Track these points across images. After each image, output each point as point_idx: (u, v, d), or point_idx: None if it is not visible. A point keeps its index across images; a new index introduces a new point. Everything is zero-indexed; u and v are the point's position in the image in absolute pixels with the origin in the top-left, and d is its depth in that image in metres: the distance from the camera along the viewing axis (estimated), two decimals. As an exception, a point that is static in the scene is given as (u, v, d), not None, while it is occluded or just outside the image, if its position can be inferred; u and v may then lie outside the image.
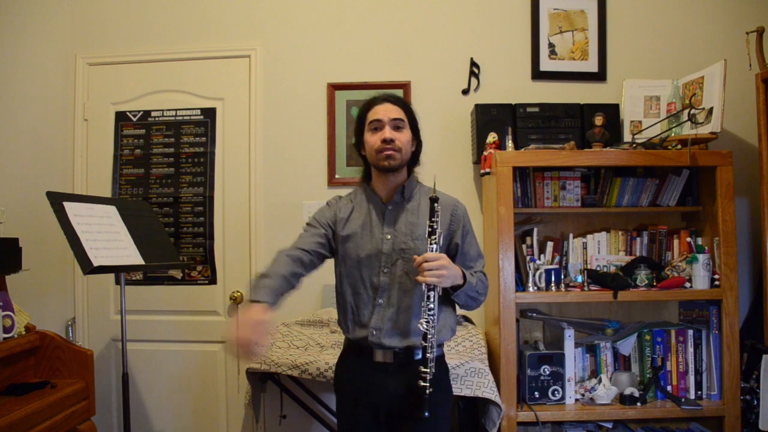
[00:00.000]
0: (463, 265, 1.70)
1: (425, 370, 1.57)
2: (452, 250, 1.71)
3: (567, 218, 2.64)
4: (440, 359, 1.74)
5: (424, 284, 1.55)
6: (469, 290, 1.65)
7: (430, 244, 1.57)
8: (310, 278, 2.68)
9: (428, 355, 1.57)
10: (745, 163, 2.58)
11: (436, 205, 1.58)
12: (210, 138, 2.85)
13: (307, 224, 1.78)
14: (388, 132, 1.65)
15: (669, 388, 2.44)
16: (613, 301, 2.40)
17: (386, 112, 1.68)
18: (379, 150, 1.65)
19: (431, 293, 1.56)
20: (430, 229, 1.58)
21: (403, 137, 1.67)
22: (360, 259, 1.68)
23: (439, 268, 1.53)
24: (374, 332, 1.65)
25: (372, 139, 1.68)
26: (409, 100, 2.62)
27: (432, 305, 1.56)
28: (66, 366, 2.24)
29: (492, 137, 2.48)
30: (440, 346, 1.73)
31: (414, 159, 1.75)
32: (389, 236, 1.67)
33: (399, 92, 2.67)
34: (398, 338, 1.65)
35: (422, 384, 1.56)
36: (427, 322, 1.56)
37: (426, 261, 1.53)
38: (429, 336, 1.56)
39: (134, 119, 2.88)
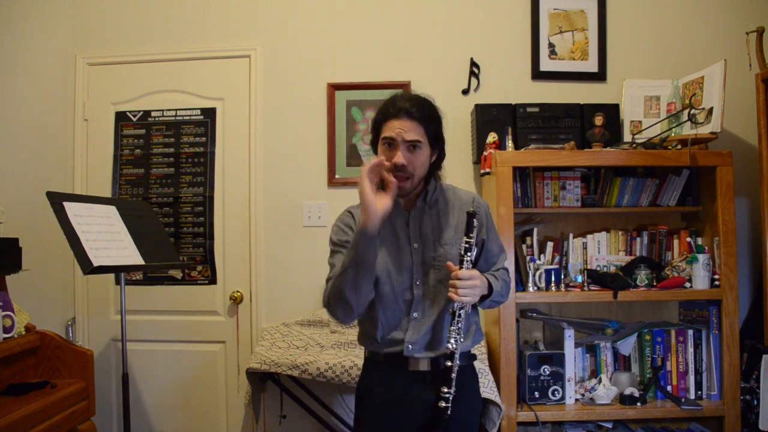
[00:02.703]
0: (486, 261, 1.65)
1: (447, 390, 1.49)
2: (478, 249, 1.62)
3: (567, 218, 2.64)
4: (470, 370, 1.67)
5: (455, 303, 1.48)
6: (494, 296, 1.59)
7: (465, 262, 1.49)
8: (310, 278, 2.71)
9: (452, 375, 1.49)
10: (745, 163, 2.58)
11: (474, 220, 1.50)
12: (210, 138, 2.85)
13: (334, 250, 1.62)
14: (399, 157, 1.49)
15: (669, 388, 2.44)
16: (613, 301, 2.40)
17: (401, 130, 1.50)
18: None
19: (461, 311, 1.49)
20: (466, 245, 1.49)
21: (419, 160, 1.52)
22: (390, 274, 1.57)
23: (473, 288, 1.48)
24: (410, 347, 1.55)
25: (384, 157, 1.54)
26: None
27: (461, 324, 1.49)
28: (66, 366, 2.23)
29: (492, 137, 2.48)
30: (469, 355, 1.65)
31: (433, 168, 1.61)
32: (417, 245, 1.58)
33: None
34: (434, 348, 1.56)
35: (443, 405, 1.49)
36: (455, 341, 1.49)
37: (459, 279, 1.46)
38: (456, 355, 1.49)
39: (134, 119, 2.88)
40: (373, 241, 1.43)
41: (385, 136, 1.53)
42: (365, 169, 1.42)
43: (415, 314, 1.57)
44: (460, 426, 1.59)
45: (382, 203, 1.42)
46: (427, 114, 1.54)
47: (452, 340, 1.49)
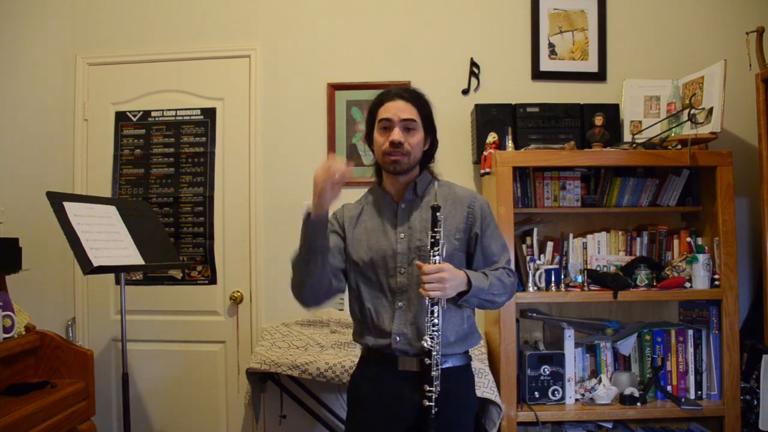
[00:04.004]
0: (485, 259, 1.63)
1: (430, 388, 1.48)
2: (472, 245, 1.64)
3: (567, 218, 2.64)
4: (466, 371, 1.66)
5: (427, 298, 1.48)
6: (480, 294, 1.54)
7: (433, 255, 1.49)
8: (310, 278, 2.70)
9: (433, 372, 1.49)
10: (745, 163, 2.58)
11: (438, 214, 1.49)
12: (210, 138, 2.85)
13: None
14: (396, 134, 1.56)
15: (669, 388, 2.44)
16: (613, 301, 2.40)
17: (397, 110, 1.58)
18: (386, 152, 1.58)
19: (435, 307, 1.48)
20: (432, 240, 1.49)
21: (414, 139, 1.58)
22: (374, 261, 1.59)
23: (440, 281, 1.46)
24: (398, 338, 1.55)
25: (380, 140, 1.60)
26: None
27: (436, 320, 1.48)
28: (66, 366, 2.24)
29: (492, 137, 2.48)
30: (465, 355, 1.65)
31: (428, 157, 1.67)
32: (403, 235, 1.59)
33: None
34: (424, 343, 1.53)
35: (427, 404, 1.48)
36: (432, 338, 1.48)
37: (426, 274, 1.46)
38: (434, 353, 1.49)
39: (134, 119, 2.88)
40: (319, 227, 1.48)
41: (382, 117, 1.60)
42: (328, 166, 1.45)
43: (399, 303, 1.57)
44: (453, 428, 1.58)
45: (334, 194, 1.45)
46: (419, 98, 1.63)
47: (427, 337, 1.49)
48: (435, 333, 1.49)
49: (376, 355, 1.61)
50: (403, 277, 1.58)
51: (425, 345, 1.49)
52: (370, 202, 1.70)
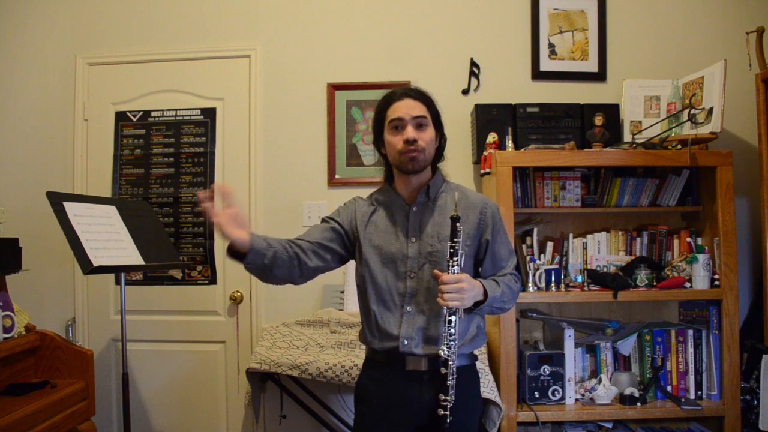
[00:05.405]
0: (494, 265, 1.64)
1: (445, 397, 1.47)
2: (482, 251, 1.63)
3: (567, 218, 2.64)
4: (470, 371, 1.66)
5: (445, 308, 1.47)
6: (493, 302, 1.55)
7: (451, 266, 1.48)
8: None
9: (449, 382, 1.47)
10: (745, 163, 2.58)
11: (458, 225, 1.48)
12: (210, 138, 2.85)
13: (322, 220, 1.70)
14: (410, 132, 1.55)
15: (669, 388, 2.44)
16: (613, 301, 2.40)
17: (407, 109, 1.57)
18: (401, 152, 1.56)
19: (453, 317, 1.47)
20: (451, 250, 1.48)
21: (427, 136, 1.57)
22: (384, 264, 1.59)
23: (459, 291, 1.45)
24: (405, 342, 1.54)
25: (393, 140, 1.57)
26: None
27: (453, 330, 1.47)
28: (66, 366, 2.23)
29: (492, 137, 2.48)
30: (470, 355, 1.64)
31: (438, 155, 1.65)
32: (414, 239, 1.59)
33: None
34: (431, 346, 1.55)
35: (442, 413, 1.47)
36: (449, 347, 1.47)
37: (444, 284, 1.45)
38: (450, 362, 1.47)
39: (134, 119, 2.88)
40: (245, 255, 1.47)
41: (393, 118, 1.58)
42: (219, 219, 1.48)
43: (408, 308, 1.57)
44: (459, 428, 1.57)
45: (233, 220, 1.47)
46: (426, 95, 1.62)
47: (444, 347, 1.48)
48: (452, 342, 1.48)
49: (383, 355, 1.60)
50: (412, 282, 1.57)
51: (442, 354, 1.48)
52: (381, 202, 1.68)
